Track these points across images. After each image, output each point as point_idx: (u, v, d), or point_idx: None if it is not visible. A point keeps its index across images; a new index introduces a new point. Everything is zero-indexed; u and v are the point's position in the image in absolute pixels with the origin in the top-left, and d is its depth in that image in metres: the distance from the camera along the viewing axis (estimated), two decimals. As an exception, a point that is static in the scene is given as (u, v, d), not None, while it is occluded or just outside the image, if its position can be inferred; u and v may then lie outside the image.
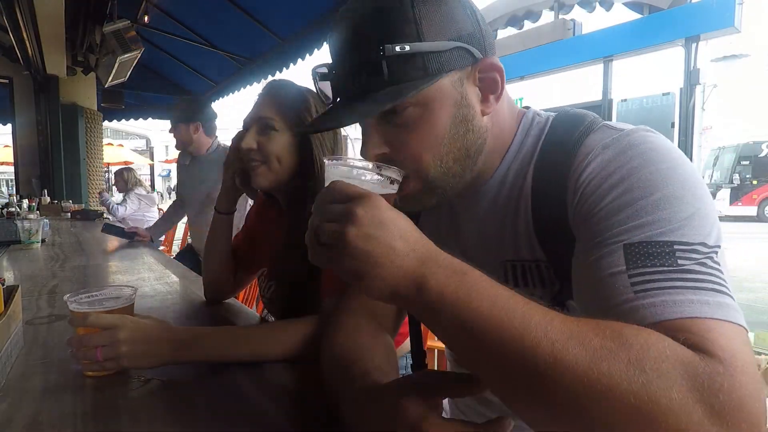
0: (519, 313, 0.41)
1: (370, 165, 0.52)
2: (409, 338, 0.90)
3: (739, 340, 0.42)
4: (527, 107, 0.69)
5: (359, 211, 0.44)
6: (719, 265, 0.47)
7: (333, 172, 0.52)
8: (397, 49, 0.53)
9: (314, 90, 0.65)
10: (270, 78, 4.97)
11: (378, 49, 0.53)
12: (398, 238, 0.44)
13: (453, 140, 0.58)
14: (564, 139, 0.59)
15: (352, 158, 0.53)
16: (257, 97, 1.07)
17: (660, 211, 0.48)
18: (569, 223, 0.56)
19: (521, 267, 0.64)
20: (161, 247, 2.99)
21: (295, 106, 1.03)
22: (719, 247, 0.48)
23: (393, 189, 0.53)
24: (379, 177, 0.52)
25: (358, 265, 0.44)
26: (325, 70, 0.61)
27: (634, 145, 0.53)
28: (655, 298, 0.44)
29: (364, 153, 0.60)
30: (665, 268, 0.46)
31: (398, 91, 0.54)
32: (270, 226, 1.20)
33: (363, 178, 0.51)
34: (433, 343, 1.61)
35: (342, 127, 0.66)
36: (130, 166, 5.44)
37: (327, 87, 0.61)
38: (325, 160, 0.53)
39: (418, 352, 0.88)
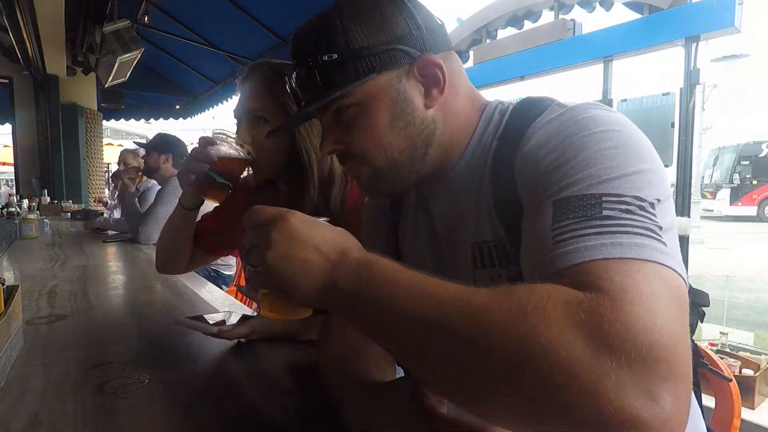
0: (414, 289, 0.44)
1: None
2: None
3: (643, 274, 0.40)
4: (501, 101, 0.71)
5: (273, 234, 0.49)
6: (654, 215, 0.45)
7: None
8: (325, 58, 0.59)
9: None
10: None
11: (309, 60, 0.61)
12: (313, 251, 0.48)
13: (394, 133, 0.62)
14: (520, 123, 0.61)
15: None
16: (241, 82, 1.05)
17: (591, 167, 0.48)
18: (520, 198, 0.58)
19: (486, 248, 0.65)
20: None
21: (281, 93, 1.01)
22: (659, 201, 0.46)
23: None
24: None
25: (280, 283, 0.49)
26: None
27: (574, 117, 0.54)
28: (569, 246, 0.44)
29: (321, 150, 0.68)
30: (586, 217, 0.45)
31: (328, 95, 0.60)
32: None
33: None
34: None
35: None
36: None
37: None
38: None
39: None
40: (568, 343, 0.36)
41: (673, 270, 0.42)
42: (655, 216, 0.45)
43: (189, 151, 1.05)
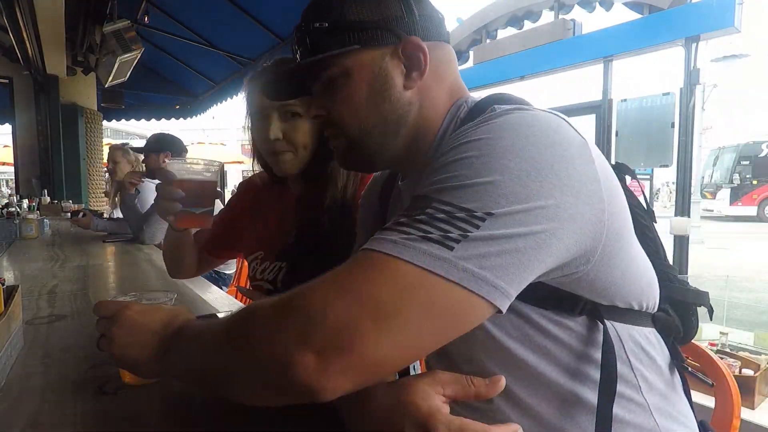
0: (197, 341, 0.56)
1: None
2: None
3: (369, 264, 0.45)
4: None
5: (114, 328, 0.61)
6: (474, 226, 0.45)
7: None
8: (317, 25, 0.64)
9: None
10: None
11: (303, 26, 0.65)
12: (149, 334, 0.60)
13: (370, 106, 0.65)
14: (465, 123, 0.60)
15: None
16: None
17: (446, 173, 0.50)
18: None
19: None
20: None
21: None
22: (493, 214, 0.45)
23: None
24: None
25: (126, 365, 0.64)
26: None
27: (482, 121, 0.54)
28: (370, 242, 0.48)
29: (309, 113, 0.74)
30: (406, 217, 0.48)
31: (312, 57, 0.64)
32: (272, 209, 1.20)
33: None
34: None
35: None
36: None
37: None
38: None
39: None
40: (261, 313, 0.48)
41: (429, 270, 0.44)
42: (477, 227, 0.45)
43: (185, 150, 1.05)
